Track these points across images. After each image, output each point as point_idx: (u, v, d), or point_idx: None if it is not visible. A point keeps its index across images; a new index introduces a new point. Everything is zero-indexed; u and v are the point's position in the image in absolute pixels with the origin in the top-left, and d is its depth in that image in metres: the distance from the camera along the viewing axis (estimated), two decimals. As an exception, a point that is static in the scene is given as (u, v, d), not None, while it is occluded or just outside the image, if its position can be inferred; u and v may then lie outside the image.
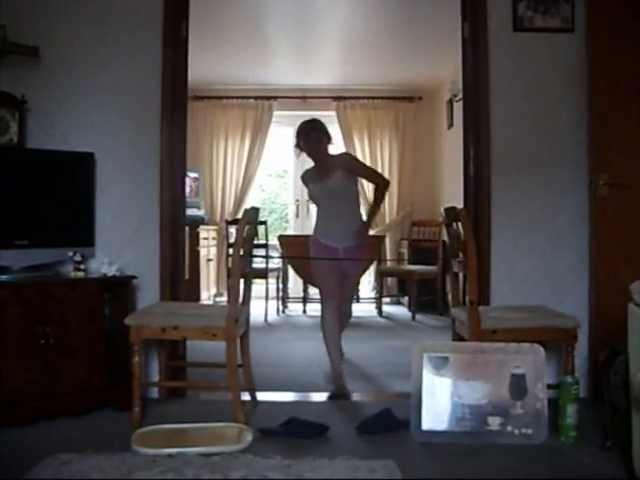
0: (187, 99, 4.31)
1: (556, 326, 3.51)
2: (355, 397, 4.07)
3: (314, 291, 8.30)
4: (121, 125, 4.05)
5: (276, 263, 7.99)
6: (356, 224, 4.57)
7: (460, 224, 3.64)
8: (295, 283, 8.48)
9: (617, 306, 2.87)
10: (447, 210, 3.88)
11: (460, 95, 5.59)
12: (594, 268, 4.07)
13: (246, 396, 3.79)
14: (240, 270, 3.58)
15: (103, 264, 3.80)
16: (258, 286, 7.48)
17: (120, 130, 4.05)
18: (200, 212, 8.50)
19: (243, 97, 9.03)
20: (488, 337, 3.44)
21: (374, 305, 7.97)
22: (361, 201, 4.85)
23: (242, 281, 3.69)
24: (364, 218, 4.72)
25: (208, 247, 8.39)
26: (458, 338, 3.82)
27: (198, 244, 7.87)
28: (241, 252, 3.64)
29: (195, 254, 7.71)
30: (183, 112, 4.19)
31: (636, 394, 2.53)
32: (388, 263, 8.62)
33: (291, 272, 7.91)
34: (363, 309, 7.98)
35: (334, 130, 8.91)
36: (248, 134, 9.05)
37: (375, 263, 7.95)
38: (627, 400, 2.71)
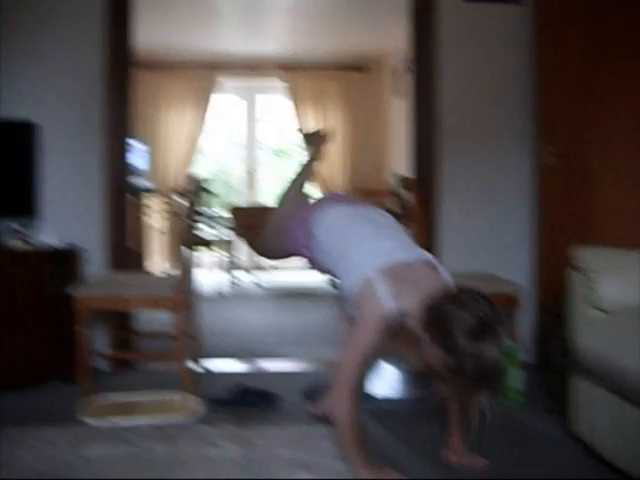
0: (131, 67, 4.23)
1: (500, 293, 3.57)
2: (303, 367, 4.09)
3: (265, 262, 8.32)
4: (64, 94, 3.96)
5: (227, 234, 7.96)
6: None
7: (410, 193, 3.65)
8: (246, 254, 8.46)
9: (562, 273, 2.92)
10: (396, 178, 3.89)
11: (409, 64, 5.59)
12: (540, 236, 4.14)
13: (196, 366, 3.79)
14: (187, 240, 3.56)
15: (48, 235, 3.74)
16: (209, 257, 7.47)
17: (64, 99, 3.96)
18: (147, 182, 8.40)
19: (189, 65, 8.91)
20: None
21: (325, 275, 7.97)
22: None
23: (190, 251, 3.67)
24: None
25: (156, 217, 8.31)
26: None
27: (145, 215, 7.78)
28: (188, 222, 3.61)
29: (143, 225, 7.63)
30: (127, 80, 4.11)
31: (576, 358, 2.59)
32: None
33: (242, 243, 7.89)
34: (313, 279, 8.02)
35: (284, 101, 8.93)
36: (195, 103, 8.95)
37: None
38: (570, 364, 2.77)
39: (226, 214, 7.71)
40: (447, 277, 2.43)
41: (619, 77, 4.00)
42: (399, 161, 5.95)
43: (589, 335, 2.52)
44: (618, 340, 2.36)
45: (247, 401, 3.26)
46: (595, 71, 4.05)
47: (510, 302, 3.60)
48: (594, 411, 2.57)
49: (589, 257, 2.71)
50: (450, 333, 2.06)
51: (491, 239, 4.23)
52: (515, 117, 4.22)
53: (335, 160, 8.91)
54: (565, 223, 4.04)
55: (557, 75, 4.04)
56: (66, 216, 3.94)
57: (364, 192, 8.54)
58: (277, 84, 8.86)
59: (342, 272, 2.53)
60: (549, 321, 3.42)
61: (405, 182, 3.68)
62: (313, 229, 2.72)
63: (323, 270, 2.83)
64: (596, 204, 4.06)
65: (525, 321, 3.79)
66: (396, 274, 2.32)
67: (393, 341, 2.43)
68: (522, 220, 4.22)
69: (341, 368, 2.37)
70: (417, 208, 3.51)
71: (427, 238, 3.59)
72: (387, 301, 2.26)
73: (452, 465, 2.52)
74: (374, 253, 2.42)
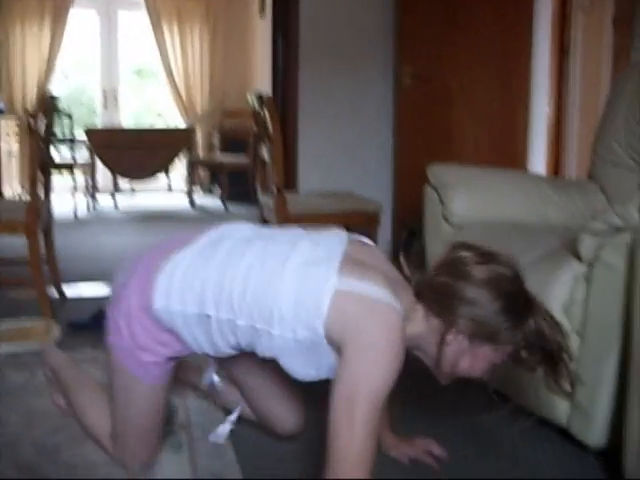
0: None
1: (359, 210, 3.65)
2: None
3: (125, 185, 8.14)
4: None
5: (84, 157, 7.70)
6: None
7: (267, 111, 3.63)
8: (105, 177, 8.23)
9: (417, 190, 3.00)
10: (254, 97, 3.86)
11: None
12: (397, 155, 4.24)
13: (54, 292, 3.70)
14: (39, 162, 3.42)
15: None
16: (66, 180, 7.24)
17: None
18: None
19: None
20: (294, 222, 3.51)
21: (186, 196, 7.90)
22: None
23: (44, 174, 3.53)
24: None
25: (10, 140, 7.92)
26: (266, 225, 3.88)
27: (-2, 138, 7.42)
28: (42, 143, 3.47)
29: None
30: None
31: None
32: (199, 153, 8.56)
33: (100, 166, 7.66)
34: (175, 200, 7.96)
35: (142, 18, 8.59)
36: (52, 18, 8.45)
37: (186, 153, 7.84)
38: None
39: (83, 135, 7.45)
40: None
41: (479, 6, 4.07)
42: (264, 82, 5.88)
43: (440, 249, 2.62)
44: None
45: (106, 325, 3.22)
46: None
47: (370, 220, 3.68)
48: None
49: (441, 174, 2.80)
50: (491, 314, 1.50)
51: (351, 158, 4.29)
52: (376, 39, 4.26)
53: (197, 82, 8.72)
54: (422, 142, 4.14)
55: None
56: None
57: (227, 113, 8.48)
58: (136, 1, 8.51)
59: (271, 324, 1.51)
60: (406, 237, 3.53)
61: (263, 101, 3.64)
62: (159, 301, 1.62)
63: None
64: (451, 124, 4.17)
65: (383, 238, 3.89)
66: (360, 269, 1.53)
67: None
68: (382, 140, 4.29)
69: (347, 451, 1.37)
70: (274, 127, 3.49)
71: (284, 157, 3.59)
72: (391, 300, 1.47)
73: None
74: (305, 267, 1.52)
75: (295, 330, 1.48)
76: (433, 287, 1.58)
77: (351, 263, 1.53)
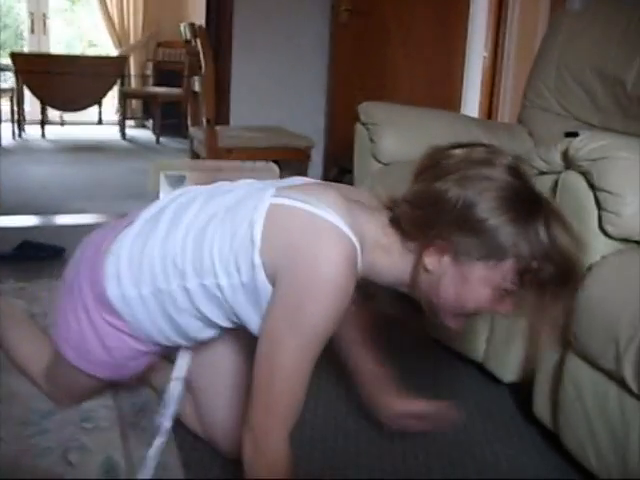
0: None
1: (291, 146, 3.64)
2: (90, 219, 4.00)
3: (53, 113, 7.90)
4: None
5: (10, 83, 7.44)
6: None
7: (199, 41, 3.55)
8: (32, 105, 7.97)
9: (350, 128, 3.00)
10: (186, 26, 3.77)
11: None
12: (331, 92, 4.21)
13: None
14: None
15: None
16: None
17: None
18: None
19: None
20: (225, 156, 3.49)
21: (117, 128, 7.74)
22: None
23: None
24: None
25: None
26: (196, 157, 3.84)
27: None
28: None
29: None
30: None
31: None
32: (132, 85, 8.36)
33: (28, 93, 7.41)
34: (106, 132, 7.78)
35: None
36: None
37: (118, 84, 7.65)
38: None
39: (8, 60, 7.17)
40: None
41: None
42: (198, 14, 5.72)
43: (367, 185, 2.64)
44: (386, 187, 2.49)
45: (31, 255, 3.17)
46: None
47: (301, 155, 3.68)
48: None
49: (372, 112, 2.81)
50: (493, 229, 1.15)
51: (286, 94, 4.25)
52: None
53: (131, 10, 8.46)
54: (357, 79, 4.12)
55: None
56: None
57: (161, 44, 8.28)
58: None
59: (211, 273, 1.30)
60: (336, 174, 3.54)
61: (196, 31, 3.57)
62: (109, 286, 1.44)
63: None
64: (387, 63, 4.16)
65: (314, 174, 3.90)
66: (304, 188, 1.30)
67: None
68: (317, 76, 4.27)
69: (268, 382, 1.19)
70: (205, 58, 3.43)
71: (217, 91, 3.55)
72: (338, 220, 1.19)
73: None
74: (239, 202, 1.33)
75: (238, 271, 1.26)
76: (406, 200, 1.25)
77: (295, 187, 1.29)
